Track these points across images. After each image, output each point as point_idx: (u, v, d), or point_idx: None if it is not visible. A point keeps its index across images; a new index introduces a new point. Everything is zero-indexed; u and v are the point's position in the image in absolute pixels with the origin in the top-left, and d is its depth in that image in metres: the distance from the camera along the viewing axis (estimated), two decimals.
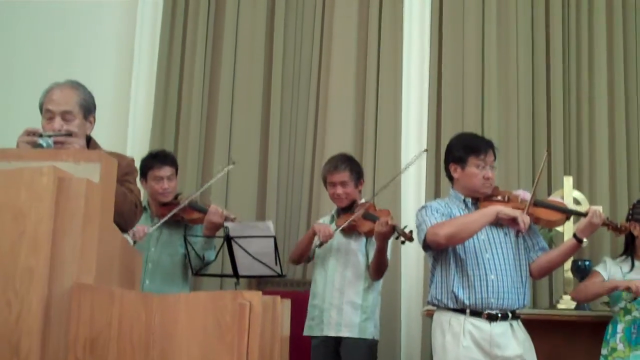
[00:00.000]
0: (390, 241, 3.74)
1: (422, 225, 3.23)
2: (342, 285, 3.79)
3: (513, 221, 3.11)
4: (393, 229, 3.55)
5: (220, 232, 3.85)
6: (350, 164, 3.91)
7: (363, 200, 3.93)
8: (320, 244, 3.77)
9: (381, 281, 3.88)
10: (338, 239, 3.85)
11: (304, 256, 3.99)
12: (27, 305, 1.82)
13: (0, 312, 1.83)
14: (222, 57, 5.00)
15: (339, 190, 3.86)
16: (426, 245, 3.23)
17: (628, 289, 3.35)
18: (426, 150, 4.44)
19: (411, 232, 3.52)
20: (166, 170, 3.97)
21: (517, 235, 3.21)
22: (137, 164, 3.25)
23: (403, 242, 3.58)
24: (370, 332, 3.76)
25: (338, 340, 3.77)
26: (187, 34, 5.04)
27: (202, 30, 5.01)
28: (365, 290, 3.78)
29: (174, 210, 3.87)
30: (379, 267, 3.76)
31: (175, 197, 4.02)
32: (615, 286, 3.44)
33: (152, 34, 5.10)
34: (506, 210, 3.14)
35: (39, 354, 1.82)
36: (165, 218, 3.84)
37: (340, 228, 3.76)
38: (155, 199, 3.99)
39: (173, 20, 5.06)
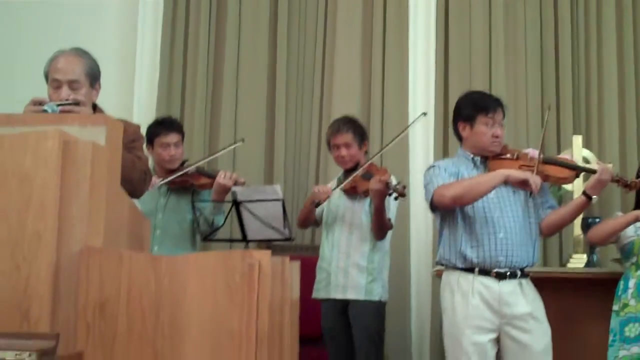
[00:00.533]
0: (395, 201, 3.71)
1: (429, 186, 3.20)
2: (348, 248, 3.78)
3: (524, 183, 3.07)
4: (386, 185, 3.53)
5: (228, 197, 3.84)
6: (353, 126, 3.88)
7: None
8: (318, 204, 3.75)
9: (388, 242, 3.86)
10: (343, 202, 3.85)
11: (309, 219, 3.98)
12: (35, 270, 1.82)
13: (10, 277, 1.83)
14: (226, 30, 4.94)
15: (343, 152, 3.84)
16: (433, 206, 3.21)
17: None
18: (424, 113, 4.32)
19: (404, 187, 3.50)
20: (173, 137, 3.95)
21: (530, 196, 3.17)
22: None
23: (396, 198, 3.56)
24: (378, 293, 3.75)
25: (346, 304, 3.77)
26: (190, 11, 4.97)
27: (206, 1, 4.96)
28: (370, 252, 3.77)
29: (184, 171, 3.87)
30: (379, 227, 3.73)
31: (182, 164, 4.00)
32: (637, 215, 3.37)
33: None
34: (515, 173, 3.09)
35: (49, 319, 1.82)
36: (175, 175, 3.84)
37: (341, 187, 3.75)
38: (161, 166, 3.97)
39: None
